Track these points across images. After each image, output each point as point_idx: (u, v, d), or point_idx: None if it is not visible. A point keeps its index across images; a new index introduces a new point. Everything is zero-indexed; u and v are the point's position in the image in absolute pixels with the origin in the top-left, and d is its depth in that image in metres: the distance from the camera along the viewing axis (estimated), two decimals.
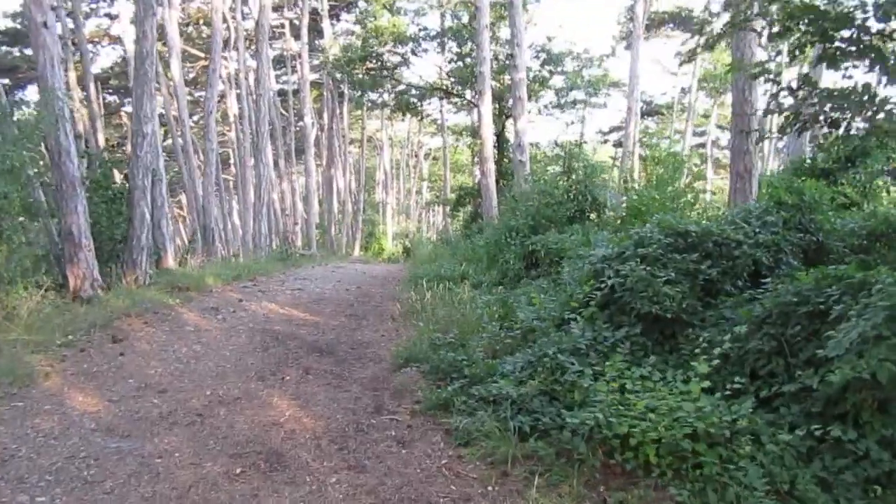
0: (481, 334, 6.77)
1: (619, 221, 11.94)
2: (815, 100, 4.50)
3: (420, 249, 39.32)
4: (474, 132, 22.55)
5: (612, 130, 52.73)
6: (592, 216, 11.64)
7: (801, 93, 4.73)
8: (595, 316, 5.74)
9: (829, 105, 3.93)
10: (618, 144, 55.05)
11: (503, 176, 20.18)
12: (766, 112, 4.69)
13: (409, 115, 49.67)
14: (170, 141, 27.39)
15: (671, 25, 38.69)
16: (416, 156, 59.25)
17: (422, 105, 31.68)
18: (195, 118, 32.29)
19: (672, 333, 5.41)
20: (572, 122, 27.57)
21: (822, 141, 6.08)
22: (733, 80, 9.54)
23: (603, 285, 5.94)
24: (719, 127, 44.57)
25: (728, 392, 4.23)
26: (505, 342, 6.39)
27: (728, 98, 42.33)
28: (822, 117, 4.08)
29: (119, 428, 4.93)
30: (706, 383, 4.11)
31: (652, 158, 17.10)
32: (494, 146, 19.06)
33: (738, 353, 4.65)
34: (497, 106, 20.43)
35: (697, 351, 4.66)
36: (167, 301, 8.95)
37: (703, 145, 43.77)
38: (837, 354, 3.91)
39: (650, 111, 45.65)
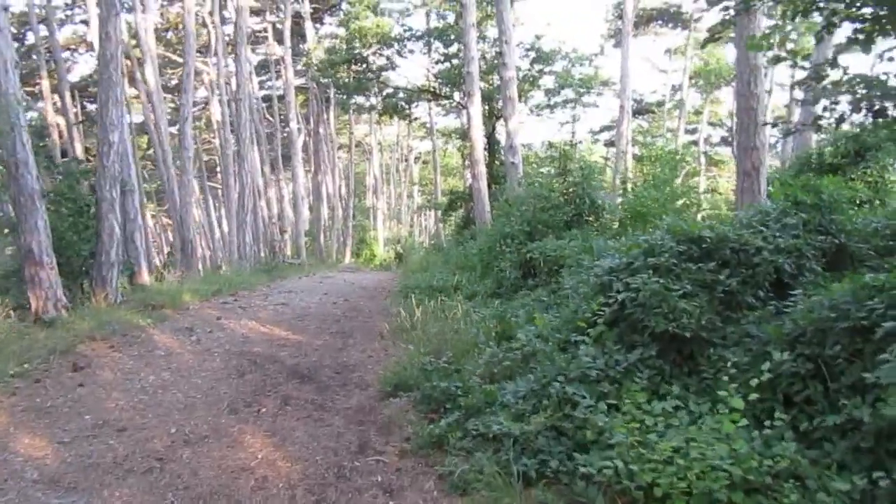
0: (478, 356, 6.17)
1: (616, 225, 11.40)
2: (847, 87, 3.94)
3: (412, 256, 38.82)
4: (464, 134, 22.00)
5: (602, 130, 52.17)
6: (590, 220, 11.06)
7: (829, 79, 4.18)
8: (604, 336, 5.14)
9: (875, 92, 3.36)
10: (609, 144, 54.65)
11: (495, 179, 19.60)
12: (804, 102, 4.11)
13: (397, 119, 49.16)
14: (152, 150, 26.69)
15: (660, 22, 38.31)
16: (406, 160, 58.69)
17: (409, 108, 31.15)
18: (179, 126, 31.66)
19: (691, 354, 4.82)
20: (566, 122, 27.05)
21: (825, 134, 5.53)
22: (738, 71, 8.99)
23: (611, 301, 5.36)
24: (711, 124, 44.25)
25: (763, 425, 3.66)
26: (503, 364, 5.80)
27: (722, 93, 42.15)
28: (864, 105, 3.51)
29: (65, 478, 4.31)
30: (743, 421, 3.53)
31: (648, 157, 16.60)
32: (485, 148, 18.50)
33: (770, 376, 4.08)
34: (487, 107, 19.87)
35: (725, 378, 4.07)
36: (137, 322, 8.32)
37: (695, 143, 43.34)
38: (893, 382, 3.35)
39: (641, 109, 45.12)
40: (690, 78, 35.27)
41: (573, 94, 22.22)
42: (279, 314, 9.96)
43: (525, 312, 7.30)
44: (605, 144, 53.94)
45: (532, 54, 20.49)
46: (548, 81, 22.21)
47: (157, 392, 6.13)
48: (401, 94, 26.40)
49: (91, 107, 30.89)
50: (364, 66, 22.43)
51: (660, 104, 44.06)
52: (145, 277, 10.72)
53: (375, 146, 46.49)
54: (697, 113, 43.48)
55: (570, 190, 10.75)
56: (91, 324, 7.91)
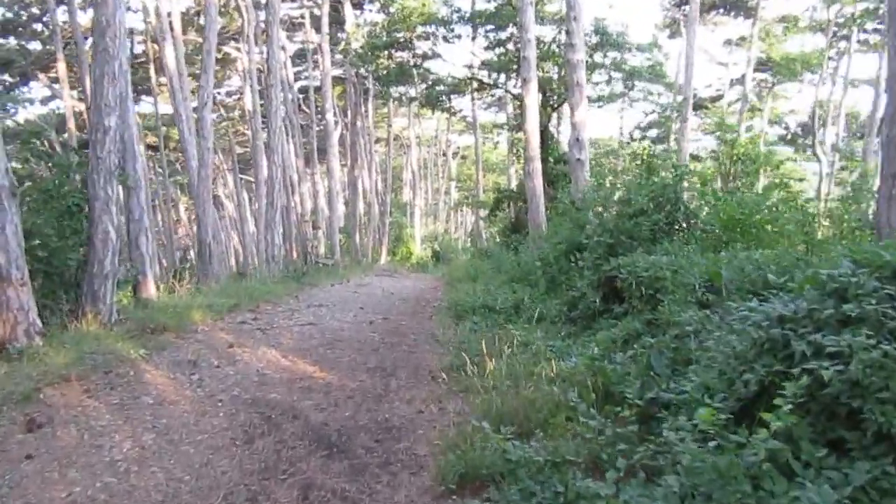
0: (577, 434, 4.36)
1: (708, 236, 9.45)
2: None
3: (451, 257, 37.00)
4: (516, 126, 20.09)
5: (650, 126, 49.92)
6: (682, 230, 9.12)
7: None
8: (799, 432, 3.28)
9: None
10: (658, 141, 52.30)
11: (549, 178, 17.67)
12: None
13: (436, 112, 47.49)
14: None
15: (721, 10, 35.83)
16: (445, 154, 57.00)
17: (450, 101, 29.36)
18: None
19: None
20: (621, 110, 24.90)
21: None
22: (890, 52, 6.97)
23: (794, 369, 3.48)
24: (772, 122, 41.53)
25: None
26: (617, 448, 4.00)
27: (786, 88, 39.40)
28: None
29: None
30: None
31: (729, 155, 14.51)
32: (540, 143, 16.56)
33: None
34: (541, 97, 17.91)
35: None
36: (129, 352, 6.64)
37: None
38: None
39: (695, 104, 42.48)
40: (755, 70, 32.81)
41: (635, 84, 20.02)
42: (305, 339, 8.23)
43: (633, 363, 5.43)
44: (653, 142, 51.60)
45: (595, 38, 18.40)
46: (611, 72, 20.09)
47: (131, 470, 4.42)
48: (444, 85, 24.63)
49: None
50: (408, 51, 20.66)
51: (715, 99, 41.56)
52: (151, 290, 9.09)
53: (414, 140, 44.82)
54: (753, 109, 40.86)
55: (660, 193, 8.81)
56: (69, 356, 6.26)
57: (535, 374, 6.17)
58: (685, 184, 8.97)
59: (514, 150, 21.03)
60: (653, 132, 51.11)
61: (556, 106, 19.98)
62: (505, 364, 6.47)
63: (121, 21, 7.65)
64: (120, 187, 8.95)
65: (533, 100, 15.41)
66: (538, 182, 15.67)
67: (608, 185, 11.05)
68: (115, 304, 7.74)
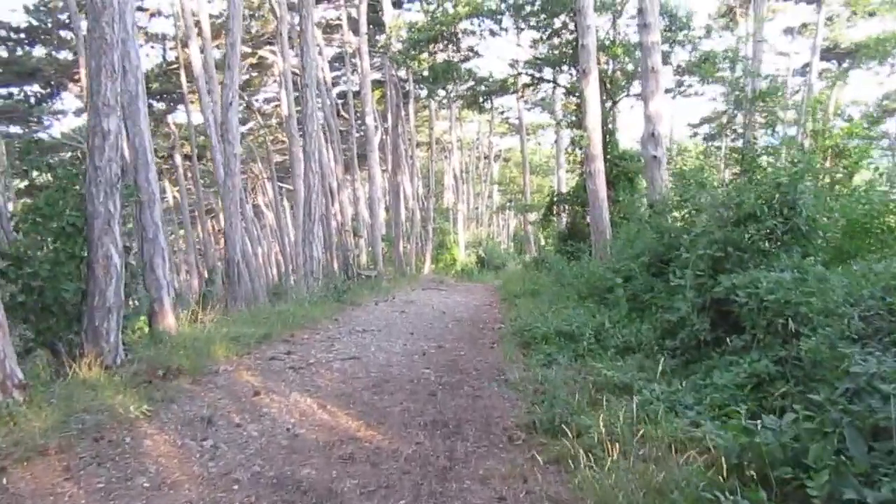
0: None
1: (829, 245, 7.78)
2: None
3: (497, 262, 35.43)
4: (573, 123, 18.52)
5: (702, 122, 47.63)
6: (796, 240, 7.46)
7: None
8: None
9: None
10: (710, 138, 49.93)
11: (608, 179, 16.03)
12: None
13: (479, 114, 46.06)
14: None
15: None
16: (487, 157, 55.59)
17: (492, 102, 27.91)
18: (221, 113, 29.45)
19: None
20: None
21: None
22: None
23: None
24: (836, 114, 38.84)
25: None
26: None
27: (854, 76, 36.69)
28: None
29: None
30: None
31: (822, 148, 12.68)
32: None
33: None
34: (602, 90, 16.31)
35: None
36: (128, 408, 5.32)
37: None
38: None
39: (754, 97, 39.91)
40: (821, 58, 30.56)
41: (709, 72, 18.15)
42: (347, 379, 6.83)
43: (795, 433, 3.89)
44: (705, 139, 49.24)
45: (664, 20, 16.62)
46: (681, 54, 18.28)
47: None
48: (486, 85, 23.18)
49: (156, 105, 28.99)
50: (452, 46, 19.27)
51: (774, 91, 39.20)
52: (169, 320, 7.81)
53: (455, 143, 43.47)
54: (816, 101, 38.31)
55: (773, 195, 7.17)
56: (53, 417, 4.97)
57: (648, 437, 4.71)
58: (807, 182, 7.30)
59: (569, 151, 19.38)
60: (704, 128, 48.87)
61: (616, 100, 18.34)
62: (603, 418, 4.99)
63: (121, 2, 6.39)
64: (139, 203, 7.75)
65: (594, 92, 13.86)
66: (601, 184, 14.09)
67: (697, 184, 9.46)
68: (120, 341, 6.46)
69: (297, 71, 20.80)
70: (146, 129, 7.73)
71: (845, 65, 32.04)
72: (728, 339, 6.31)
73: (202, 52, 13.98)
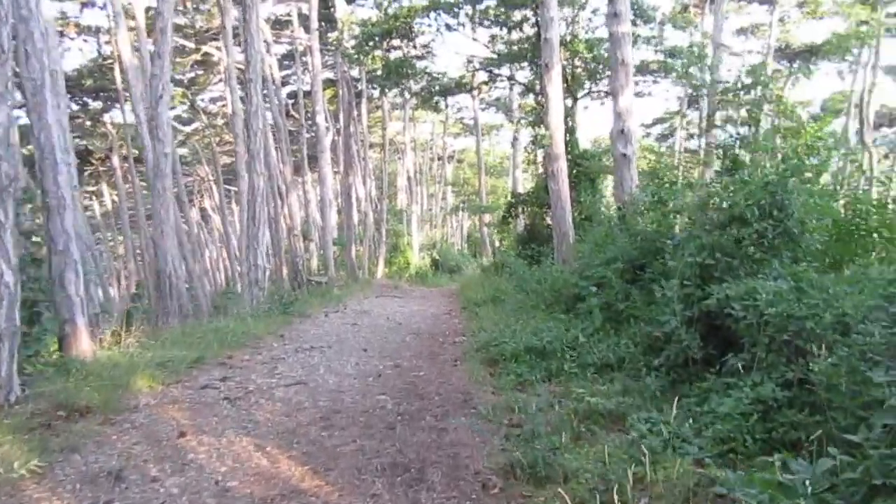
0: None
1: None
2: None
3: (452, 265, 34.67)
4: (533, 122, 17.84)
5: (655, 122, 47.75)
6: (785, 245, 6.83)
7: None
8: None
9: None
10: (662, 138, 50.09)
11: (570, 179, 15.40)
12: None
13: (433, 115, 45.28)
14: None
15: None
16: (441, 158, 54.88)
17: (447, 101, 27.17)
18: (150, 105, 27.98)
19: None
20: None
21: None
22: None
23: None
24: (781, 114, 39.13)
25: None
26: None
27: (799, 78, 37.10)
28: None
29: None
30: None
31: (793, 147, 12.17)
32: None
33: None
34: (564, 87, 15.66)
35: None
36: (10, 465, 4.33)
37: None
38: None
39: (696, 99, 40.00)
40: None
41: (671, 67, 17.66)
42: (292, 411, 5.92)
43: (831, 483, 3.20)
44: (658, 139, 49.38)
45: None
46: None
47: None
48: (445, 81, 22.41)
49: (93, 104, 27.37)
50: (406, 42, 18.42)
51: (728, 91, 39.33)
52: (84, 344, 6.76)
53: (409, 144, 42.60)
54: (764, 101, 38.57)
55: (762, 196, 6.52)
56: None
57: (650, 482, 3.99)
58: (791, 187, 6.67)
59: (528, 150, 18.65)
60: (657, 129, 49.01)
61: (577, 98, 17.75)
62: (593, 456, 4.25)
63: None
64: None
65: (557, 89, 13.19)
66: (564, 184, 13.42)
67: (682, 185, 8.83)
68: (15, 374, 5.42)
69: (243, 67, 19.71)
70: (55, 123, 6.68)
71: (796, 65, 32.21)
72: (721, 358, 5.65)
73: (136, 44, 12.83)
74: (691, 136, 44.10)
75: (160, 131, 9.75)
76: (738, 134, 7.50)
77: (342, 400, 6.26)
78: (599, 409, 5.26)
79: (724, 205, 6.36)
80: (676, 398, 5.62)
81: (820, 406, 4.45)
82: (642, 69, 21.03)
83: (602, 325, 7.61)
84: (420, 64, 21.65)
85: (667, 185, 8.87)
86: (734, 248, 6.39)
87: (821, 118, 12.99)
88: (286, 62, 32.82)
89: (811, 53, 31.26)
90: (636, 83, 26.80)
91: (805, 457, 4.24)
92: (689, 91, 35.56)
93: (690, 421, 4.94)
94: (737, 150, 7.38)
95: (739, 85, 10.22)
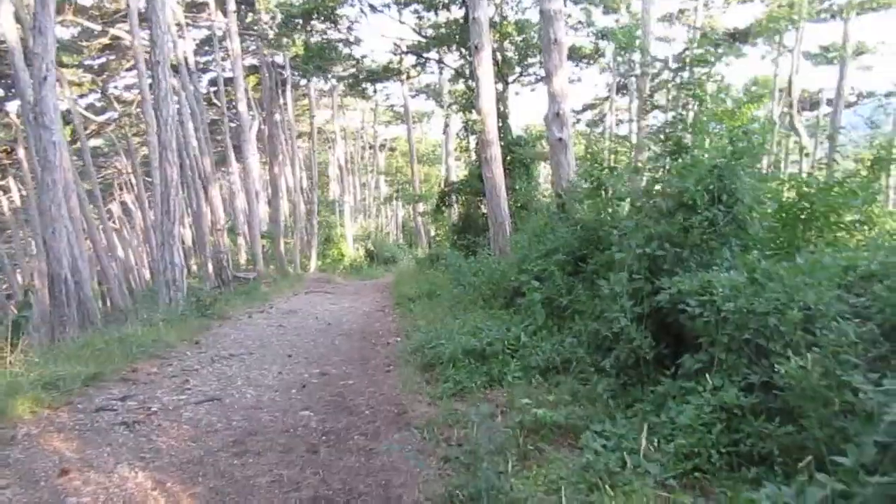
0: None
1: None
2: None
3: (388, 255, 33.93)
4: (463, 107, 17.27)
5: (585, 109, 48.05)
6: (732, 232, 6.47)
7: None
8: None
9: None
10: (593, 124, 50.49)
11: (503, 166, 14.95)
12: None
13: (362, 100, 44.26)
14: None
15: None
16: (372, 147, 53.94)
17: (375, 86, 26.39)
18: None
19: None
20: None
21: None
22: None
23: None
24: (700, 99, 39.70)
25: None
26: None
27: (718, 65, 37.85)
28: None
29: None
30: None
31: (731, 128, 12.00)
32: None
33: None
34: (494, 71, 15.15)
35: None
36: None
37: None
38: None
39: (625, 85, 40.20)
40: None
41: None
42: (201, 434, 5.18)
43: None
44: (588, 125, 49.74)
45: None
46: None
47: None
48: (372, 67, 21.65)
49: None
50: (329, 24, 17.54)
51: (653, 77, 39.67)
52: None
53: (339, 132, 41.53)
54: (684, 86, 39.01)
55: (715, 183, 6.12)
56: None
57: None
58: (743, 169, 6.30)
59: (460, 137, 18.01)
60: (587, 115, 49.35)
61: (508, 82, 17.27)
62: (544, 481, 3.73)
63: None
64: None
65: (487, 71, 12.65)
66: (498, 171, 12.93)
67: (611, 169, 8.39)
68: None
69: (145, 49, 18.40)
70: None
71: (721, 50, 32.67)
72: (675, 358, 5.22)
73: (17, 20, 11.58)
74: (620, 121, 44.65)
75: (45, 117, 8.64)
76: (681, 114, 7.04)
77: (260, 419, 5.55)
78: (548, 421, 4.74)
79: (672, 190, 5.90)
80: (629, 405, 5.20)
81: (789, 413, 4.05)
82: (572, 55, 20.79)
83: (545, 323, 7.12)
84: (345, 50, 20.87)
85: (605, 170, 8.45)
86: (683, 237, 5.97)
87: (748, 101, 12.87)
88: (205, 48, 31.31)
89: (734, 38, 31.71)
90: (623, 50, 26.61)
91: (778, 474, 3.85)
92: (619, 77, 35.87)
93: (647, 433, 4.47)
94: (678, 132, 6.97)
95: (685, 61, 9.81)
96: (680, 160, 6.73)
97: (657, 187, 6.04)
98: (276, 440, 5.04)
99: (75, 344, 7.48)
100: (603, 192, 8.43)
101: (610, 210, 8.00)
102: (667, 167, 6.84)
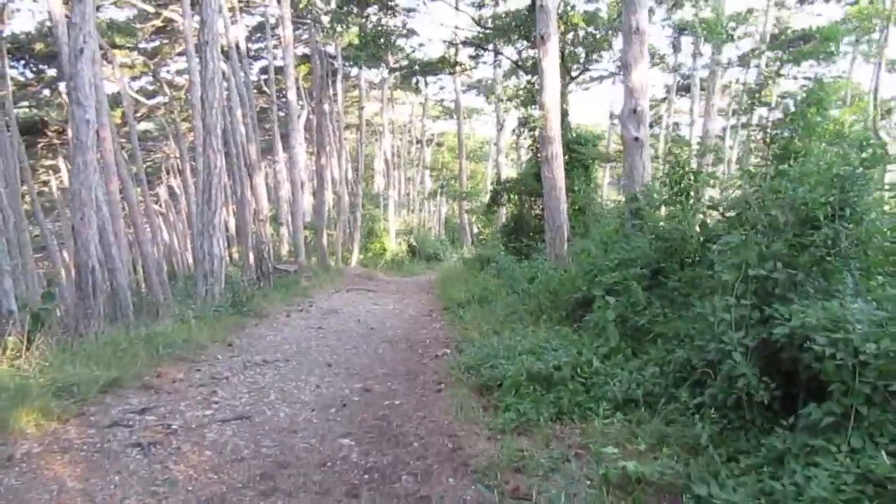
0: None
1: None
2: None
3: (430, 252, 33.17)
4: (525, 101, 16.36)
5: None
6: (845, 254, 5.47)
7: None
8: None
9: None
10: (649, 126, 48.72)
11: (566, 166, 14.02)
12: None
13: (412, 95, 43.62)
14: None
15: None
16: (419, 141, 53.23)
17: (426, 80, 25.59)
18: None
19: None
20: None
21: None
22: None
23: None
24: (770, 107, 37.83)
25: None
26: None
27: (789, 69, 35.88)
28: None
29: None
30: None
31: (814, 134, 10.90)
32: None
33: None
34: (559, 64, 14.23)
35: None
36: None
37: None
38: None
39: (684, 86, 38.34)
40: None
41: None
42: (224, 462, 4.45)
43: None
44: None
45: None
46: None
47: None
48: (424, 60, 20.91)
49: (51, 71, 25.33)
50: (386, 10, 16.85)
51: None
52: None
53: (387, 125, 40.93)
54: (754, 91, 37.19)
55: (831, 195, 5.15)
56: None
57: None
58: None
59: (519, 133, 17.05)
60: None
61: (573, 77, 16.33)
62: None
63: None
64: None
65: (553, 63, 11.76)
66: (559, 171, 12.03)
67: (695, 174, 7.47)
68: None
69: (195, 33, 17.93)
70: None
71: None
72: (787, 402, 4.33)
73: None
74: (677, 124, 42.93)
75: (80, 93, 8.05)
76: (794, 112, 6.05)
77: (293, 446, 4.80)
78: (640, 476, 3.88)
79: (790, 201, 4.96)
80: (733, 458, 4.30)
81: None
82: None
83: (618, 345, 6.23)
84: (399, 41, 20.23)
85: (690, 173, 7.53)
86: (794, 257, 5.03)
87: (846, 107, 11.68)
88: (258, 34, 31.00)
89: (804, 41, 29.99)
90: (617, 73, 25.28)
91: None
92: (680, 77, 34.26)
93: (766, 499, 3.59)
94: (788, 134, 6.01)
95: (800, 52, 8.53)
96: (789, 166, 5.79)
97: (774, 197, 5.06)
98: (311, 476, 4.28)
99: (98, 341, 6.85)
100: (684, 198, 7.54)
101: (695, 219, 7.09)
102: (771, 175, 5.90)
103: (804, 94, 6.09)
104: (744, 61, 32.09)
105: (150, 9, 22.61)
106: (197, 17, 17.05)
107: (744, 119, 36.71)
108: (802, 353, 4.21)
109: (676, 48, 16.81)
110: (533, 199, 15.98)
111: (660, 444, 4.52)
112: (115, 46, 23.50)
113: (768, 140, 6.11)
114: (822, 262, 5.01)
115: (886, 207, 5.27)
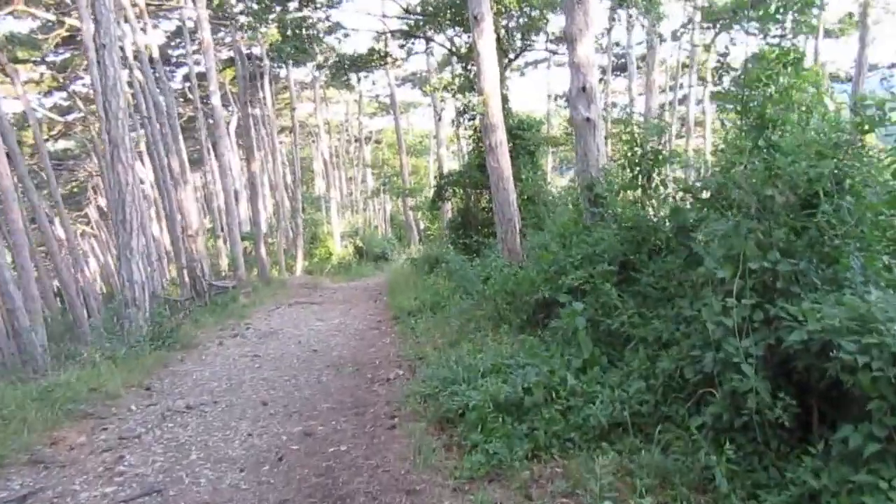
0: None
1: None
2: None
3: (377, 252, 32.13)
4: (462, 88, 15.50)
5: (563, 95, 46.29)
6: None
7: None
8: None
9: None
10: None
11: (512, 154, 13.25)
12: None
13: (346, 93, 42.37)
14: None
15: None
16: (357, 140, 51.99)
17: (358, 75, 24.55)
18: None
19: None
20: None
21: None
22: None
23: None
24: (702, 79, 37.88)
25: None
26: None
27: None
28: None
29: None
30: None
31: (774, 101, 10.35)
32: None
33: None
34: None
35: None
36: None
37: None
38: None
39: (619, 66, 38.23)
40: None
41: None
42: None
43: None
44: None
45: None
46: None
47: None
48: (354, 56, 19.90)
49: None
50: (308, 2, 15.80)
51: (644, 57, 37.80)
52: None
53: (322, 126, 39.62)
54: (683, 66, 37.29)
55: (830, 168, 4.44)
56: None
57: None
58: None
59: (460, 122, 16.15)
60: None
61: (511, 59, 15.55)
62: None
63: None
64: None
65: (489, 45, 10.94)
66: (505, 160, 11.24)
67: (653, 151, 6.75)
68: None
69: (93, 37, 16.45)
70: None
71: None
72: (806, 421, 3.62)
73: None
74: (614, 104, 42.76)
75: None
76: (766, 73, 5.32)
77: None
78: None
79: (787, 177, 4.23)
80: (752, 494, 3.55)
81: None
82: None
83: (592, 355, 5.44)
84: (326, 39, 19.21)
85: (649, 153, 6.79)
86: (793, 242, 4.32)
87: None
88: (177, 40, 29.41)
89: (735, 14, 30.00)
90: (553, 52, 24.78)
91: None
92: (614, 57, 33.96)
93: None
94: (761, 101, 5.31)
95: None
96: (769, 137, 5.06)
97: (772, 175, 4.32)
98: None
99: None
100: (646, 181, 6.81)
101: (662, 204, 6.39)
102: (750, 147, 5.18)
103: (778, 52, 5.36)
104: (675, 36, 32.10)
105: (52, 17, 20.93)
106: (86, 14, 15.69)
107: (681, 94, 36.76)
108: (824, 363, 3.48)
109: (612, 23, 16.24)
110: (479, 191, 15.19)
111: (662, 483, 3.75)
112: (17, 61, 21.73)
113: (740, 109, 5.39)
114: (821, 245, 4.31)
115: (887, 175, 4.56)
